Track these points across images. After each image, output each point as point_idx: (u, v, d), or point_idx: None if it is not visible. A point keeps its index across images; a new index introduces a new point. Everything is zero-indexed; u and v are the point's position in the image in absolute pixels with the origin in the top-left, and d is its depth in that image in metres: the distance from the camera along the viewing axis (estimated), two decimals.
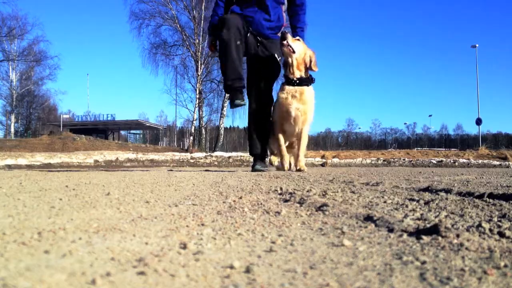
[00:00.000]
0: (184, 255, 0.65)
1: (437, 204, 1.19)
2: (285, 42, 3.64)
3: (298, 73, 3.72)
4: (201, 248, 0.70)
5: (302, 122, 3.75)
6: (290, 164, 4.07)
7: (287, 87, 3.73)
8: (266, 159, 4.16)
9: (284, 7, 3.89)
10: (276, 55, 3.88)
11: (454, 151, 13.91)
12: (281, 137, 3.93)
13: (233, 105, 3.82)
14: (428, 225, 0.83)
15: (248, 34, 3.78)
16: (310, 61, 3.75)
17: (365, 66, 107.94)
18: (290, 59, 3.70)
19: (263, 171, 3.79)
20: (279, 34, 3.84)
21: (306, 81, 3.75)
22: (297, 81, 3.70)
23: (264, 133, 3.99)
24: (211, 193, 1.61)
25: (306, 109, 3.71)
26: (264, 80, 3.91)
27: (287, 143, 4.09)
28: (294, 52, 3.66)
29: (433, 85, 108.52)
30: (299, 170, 3.76)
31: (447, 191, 1.51)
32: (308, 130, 3.91)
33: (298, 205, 1.23)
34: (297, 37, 3.79)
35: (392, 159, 10.03)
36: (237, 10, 3.74)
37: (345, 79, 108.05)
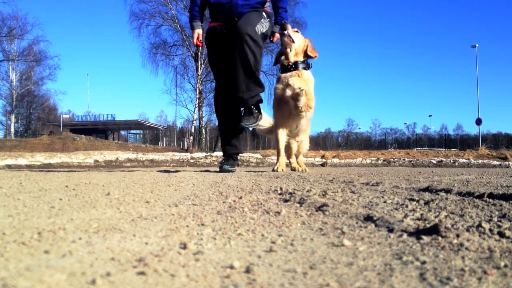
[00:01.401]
0: (184, 255, 0.65)
1: (437, 204, 1.19)
2: (285, 32, 3.58)
3: (294, 59, 3.64)
4: (201, 248, 0.70)
5: (305, 105, 3.51)
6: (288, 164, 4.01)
7: (283, 75, 3.62)
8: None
9: None
10: (264, 14, 3.51)
11: (454, 151, 13.91)
12: (280, 133, 3.69)
13: (220, 169, 3.76)
14: (428, 225, 0.83)
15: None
16: (307, 48, 3.69)
17: (365, 66, 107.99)
18: (289, 49, 3.63)
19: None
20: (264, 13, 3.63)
21: (303, 64, 3.64)
22: (293, 65, 3.60)
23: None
24: (211, 193, 1.61)
25: (308, 88, 3.51)
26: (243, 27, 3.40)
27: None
28: (293, 42, 3.61)
29: (433, 85, 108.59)
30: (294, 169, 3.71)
31: (447, 191, 1.51)
32: (310, 116, 3.72)
33: (298, 205, 1.23)
34: (295, 29, 3.75)
35: (392, 159, 10.02)
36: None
37: (345, 79, 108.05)
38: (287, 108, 3.58)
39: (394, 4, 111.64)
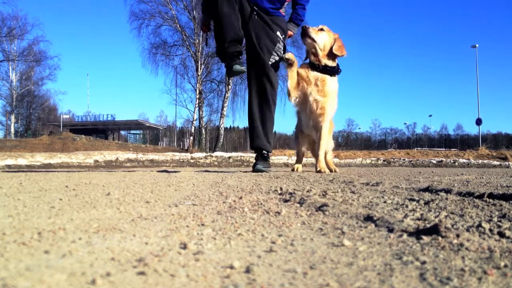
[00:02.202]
0: (184, 255, 0.65)
1: (437, 204, 1.19)
2: (306, 38, 3.51)
3: (323, 60, 3.51)
4: (201, 248, 0.70)
5: (319, 115, 3.49)
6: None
7: (312, 73, 3.49)
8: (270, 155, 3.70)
9: None
10: (278, 33, 3.49)
11: (454, 151, 13.91)
12: (299, 136, 3.77)
13: (231, 73, 3.41)
14: (428, 225, 0.83)
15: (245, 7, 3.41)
16: (333, 45, 3.53)
17: (365, 66, 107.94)
18: (313, 49, 3.52)
19: (263, 171, 3.41)
20: (282, 12, 3.58)
21: (331, 69, 3.51)
22: (321, 67, 3.48)
23: (267, 122, 3.52)
24: (211, 193, 1.61)
25: (325, 100, 3.45)
26: (262, 55, 3.42)
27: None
28: (315, 41, 3.49)
29: (433, 85, 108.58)
30: (319, 171, 3.46)
31: (447, 191, 1.51)
32: (327, 126, 3.60)
33: (298, 205, 1.23)
34: (321, 27, 3.58)
35: (392, 159, 10.02)
36: None
37: (345, 79, 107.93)
38: (306, 111, 3.60)
39: (395, 4, 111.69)
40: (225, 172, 4.13)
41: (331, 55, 3.53)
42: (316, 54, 3.52)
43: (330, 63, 3.53)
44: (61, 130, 32.87)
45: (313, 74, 3.49)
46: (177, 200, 1.38)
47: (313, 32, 3.51)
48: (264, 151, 3.53)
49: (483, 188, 1.63)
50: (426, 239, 0.73)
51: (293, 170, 4.05)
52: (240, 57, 3.46)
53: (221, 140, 23.60)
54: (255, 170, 3.49)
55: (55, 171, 4.21)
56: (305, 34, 3.51)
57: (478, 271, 0.56)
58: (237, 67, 3.37)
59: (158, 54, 23.32)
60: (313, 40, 3.50)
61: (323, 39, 3.53)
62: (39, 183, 2.09)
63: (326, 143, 3.66)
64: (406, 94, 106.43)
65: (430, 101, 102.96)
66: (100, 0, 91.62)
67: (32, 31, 38.86)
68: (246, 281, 0.53)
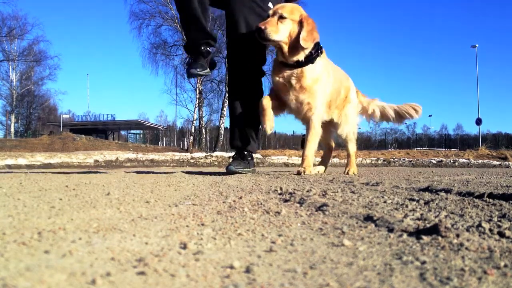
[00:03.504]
0: (184, 255, 0.65)
1: (437, 204, 1.19)
2: (263, 41, 2.83)
3: (294, 57, 2.84)
4: (201, 248, 0.70)
5: (308, 112, 2.94)
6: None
7: (282, 70, 2.91)
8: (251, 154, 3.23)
9: None
10: (270, 4, 2.98)
11: (454, 151, 13.91)
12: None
13: (188, 74, 2.97)
14: (428, 225, 0.83)
15: None
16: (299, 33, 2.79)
17: (364, 66, 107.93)
18: (278, 47, 2.87)
19: (235, 173, 2.96)
20: None
21: (305, 62, 2.85)
22: (295, 63, 2.86)
23: (248, 116, 3.09)
24: (211, 193, 1.61)
25: (309, 97, 2.88)
26: (243, 42, 2.96)
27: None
28: (276, 40, 2.80)
29: (433, 85, 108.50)
30: (298, 173, 2.89)
31: (447, 191, 1.51)
32: (318, 119, 2.97)
33: (298, 205, 1.23)
34: (280, 11, 2.79)
35: (392, 159, 10.03)
36: None
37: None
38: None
39: (394, 4, 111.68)
40: (225, 172, 4.13)
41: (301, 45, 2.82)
42: (283, 53, 2.86)
43: (302, 56, 2.84)
44: (61, 130, 32.87)
45: (287, 75, 2.89)
46: (177, 200, 1.38)
47: (271, 29, 2.75)
48: (243, 150, 3.16)
49: (483, 188, 1.63)
50: (426, 239, 0.73)
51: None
52: (206, 55, 3.01)
53: (221, 140, 23.61)
54: (226, 170, 3.10)
55: (55, 171, 4.22)
56: (261, 37, 2.78)
57: (478, 271, 0.56)
58: (192, 70, 2.92)
59: (158, 54, 23.39)
60: (272, 40, 2.80)
61: (286, 30, 2.80)
62: (39, 183, 2.09)
63: (315, 139, 2.98)
64: (406, 94, 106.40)
65: (430, 101, 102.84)
66: (100, 0, 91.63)
67: (32, 31, 38.91)
68: (246, 281, 0.53)
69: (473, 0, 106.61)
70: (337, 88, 3.17)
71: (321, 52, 2.94)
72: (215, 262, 0.62)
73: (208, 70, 2.99)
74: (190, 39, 3.04)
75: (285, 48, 2.83)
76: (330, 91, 3.05)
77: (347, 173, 3.37)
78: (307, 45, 2.80)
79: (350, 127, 3.44)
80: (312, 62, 2.88)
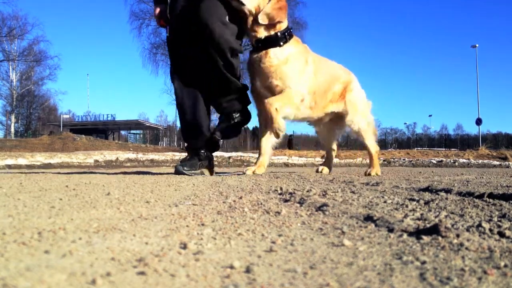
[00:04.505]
0: (184, 255, 0.65)
1: (437, 204, 1.19)
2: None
3: (261, 33, 2.57)
4: (201, 248, 0.70)
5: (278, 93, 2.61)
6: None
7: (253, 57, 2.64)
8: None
9: None
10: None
11: (454, 151, 13.91)
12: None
13: (175, 170, 2.88)
14: (428, 225, 0.83)
15: None
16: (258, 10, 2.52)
17: (364, 65, 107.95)
18: (245, 17, 2.60)
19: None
20: None
21: (272, 41, 2.56)
22: (260, 43, 2.60)
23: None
24: (211, 193, 1.61)
25: (273, 81, 2.58)
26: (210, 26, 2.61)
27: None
28: (243, 4, 2.54)
29: (433, 85, 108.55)
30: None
31: (447, 191, 1.51)
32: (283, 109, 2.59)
33: (298, 205, 1.23)
34: None
35: (392, 159, 10.03)
36: None
37: None
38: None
39: (394, 4, 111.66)
40: (225, 171, 4.14)
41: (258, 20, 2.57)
42: (248, 25, 2.60)
43: (263, 34, 2.59)
44: (61, 130, 32.90)
45: (252, 59, 2.63)
46: (177, 200, 1.38)
47: None
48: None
49: (483, 188, 1.63)
50: (426, 239, 0.73)
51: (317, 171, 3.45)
52: (204, 159, 2.90)
53: (221, 140, 23.56)
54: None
55: (55, 171, 4.22)
56: None
57: (478, 271, 0.56)
58: (179, 168, 2.79)
59: (158, 54, 23.42)
60: (240, 2, 2.52)
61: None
62: (39, 183, 2.09)
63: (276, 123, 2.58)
64: (406, 94, 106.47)
65: (430, 101, 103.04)
66: (100, 0, 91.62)
67: (32, 31, 38.71)
68: (246, 281, 0.53)
69: (473, 0, 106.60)
70: (325, 81, 2.85)
71: (290, 37, 2.65)
72: (215, 262, 0.62)
73: (198, 171, 2.86)
74: (190, 143, 2.99)
75: (250, 20, 2.59)
76: (311, 84, 2.71)
77: (369, 174, 3.05)
78: (264, 21, 2.54)
79: (361, 117, 3.01)
80: (276, 44, 2.58)
